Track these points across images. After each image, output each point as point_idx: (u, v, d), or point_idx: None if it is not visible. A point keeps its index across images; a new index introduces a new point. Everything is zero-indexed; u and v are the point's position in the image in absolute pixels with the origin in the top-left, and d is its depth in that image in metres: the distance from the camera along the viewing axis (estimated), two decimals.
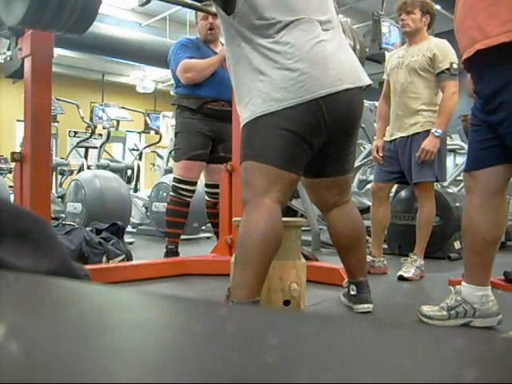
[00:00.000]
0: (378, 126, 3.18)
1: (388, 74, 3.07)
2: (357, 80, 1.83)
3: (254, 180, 1.75)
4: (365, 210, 3.78)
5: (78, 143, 6.75)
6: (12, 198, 2.83)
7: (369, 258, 3.00)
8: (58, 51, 6.34)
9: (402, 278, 2.84)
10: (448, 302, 1.87)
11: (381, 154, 3.08)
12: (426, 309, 1.93)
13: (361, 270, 2.07)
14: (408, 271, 2.87)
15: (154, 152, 7.52)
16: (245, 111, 1.81)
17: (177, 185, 3.24)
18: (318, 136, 1.78)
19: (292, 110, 1.71)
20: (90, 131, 6.35)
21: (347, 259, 2.06)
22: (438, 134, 2.80)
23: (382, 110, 3.14)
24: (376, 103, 4.09)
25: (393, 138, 3.01)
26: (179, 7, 7.09)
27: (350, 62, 1.86)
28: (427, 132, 2.85)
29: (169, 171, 5.50)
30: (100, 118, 6.40)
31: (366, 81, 1.88)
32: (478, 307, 1.80)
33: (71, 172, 7.01)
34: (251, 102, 1.77)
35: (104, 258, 3.00)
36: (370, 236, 3.19)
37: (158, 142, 6.60)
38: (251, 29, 1.76)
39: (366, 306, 2.07)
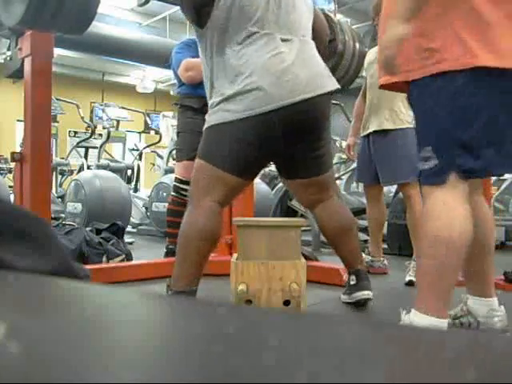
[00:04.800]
0: (353, 124, 3.16)
1: (366, 69, 3.02)
2: (317, 88, 1.86)
3: (199, 179, 1.88)
4: (365, 210, 3.78)
5: (78, 143, 6.74)
6: (12, 197, 2.82)
7: (368, 258, 2.98)
8: (57, 51, 6.33)
9: (411, 284, 2.64)
10: (456, 311, 1.79)
11: (352, 153, 3.12)
12: None
13: (356, 259, 2.13)
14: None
15: (154, 152, 7.51)
16: (207, 118, 1.91)
17: (178, 185, 3.24)
18: (272, 144, 1.85)
19: (242, 122, 1.80)
20: (90, 131, 6.35)
21: (340, 250, 2.12)
22: None
23: (359, 108, 3.09)
24: None
25: (368, 131, 2.92)
26: (179, 7, 7.08)
27: (310, 70, 1.87)
28: (403, 130, 2.77)
29: (169, 171, 5.49)
30: (100, 118, 6.40)
31: (330, 86, 1.91)
32: (482, 321, 1.67)
33: (71, 172, 7.00)
34: (211, 109, 1.89)
35: (104, 258, 3.00)
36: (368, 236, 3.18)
37: (158, 141, 6.60)
38: (219, 42, 1.85)
39: (366, 292, 2.09)
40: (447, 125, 1.40)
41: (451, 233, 1.38)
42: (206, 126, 1.92)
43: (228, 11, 1.82)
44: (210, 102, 1.93)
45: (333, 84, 1.94)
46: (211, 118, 1.88)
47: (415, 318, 1.45)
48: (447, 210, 1.40)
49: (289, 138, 1.86)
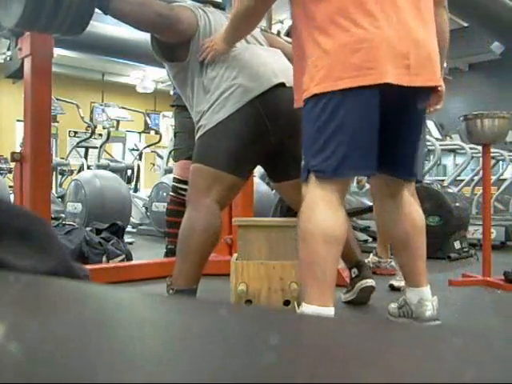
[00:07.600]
0: None
1: None
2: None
3: (196, 181, 1.92)
4: (365, 210, 3.78)
5: (78, 143, 6.74)
6: (12, 197, 2.82)
7: (375, 259, 2.97)
8: (57, 51, 6.32)
9: (392, 287, 2.51)
10: (399, 300, 1.85)
11: None
12: (392, 305, 1.90)
13: (354, 251, 2.20)
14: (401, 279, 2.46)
15: (154, 152, 7.51)
16: (201, 129, 1.99)
17: (176, 185, 3.24)
18: (260, 137, 1.91)
19: (229, 118, 1.88)
20: (89, 131, 6.35)
21: None
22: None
23: None
24: None
25: None
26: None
27: (284, 65, 1.99)
28: None
29: (169, 171, 5.49)
30: (100, 117, 6.40)
31: None
32: (413, 309, 1.75)
33: (71, 172, 7.00)
34: (204, 118, 1.96)
35: (104, 258, 3.00)
36: (370, 237, 3.17)
37: (158, 141, 6.60)
38: (199, 66, 1.99)
39: (369, 280, 2.15)
40: (315, 138, 1.57)
41: (313, 227, 1.51)
42: (197, 137, 2.00)
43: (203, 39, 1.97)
44: (197, 124, 2.01)
45: None
46: (201, 130, 1.96)
47: (303, 308, 1.54)
48: (312, 207, 1.55)
49: (276, 131, 1.92)
